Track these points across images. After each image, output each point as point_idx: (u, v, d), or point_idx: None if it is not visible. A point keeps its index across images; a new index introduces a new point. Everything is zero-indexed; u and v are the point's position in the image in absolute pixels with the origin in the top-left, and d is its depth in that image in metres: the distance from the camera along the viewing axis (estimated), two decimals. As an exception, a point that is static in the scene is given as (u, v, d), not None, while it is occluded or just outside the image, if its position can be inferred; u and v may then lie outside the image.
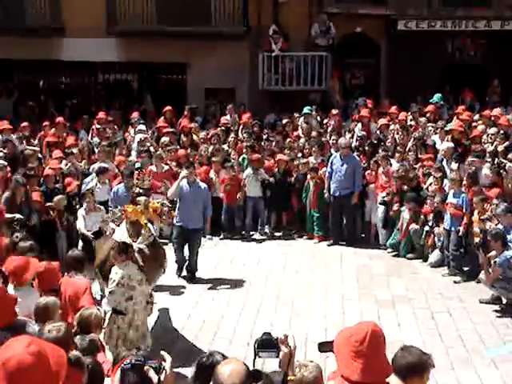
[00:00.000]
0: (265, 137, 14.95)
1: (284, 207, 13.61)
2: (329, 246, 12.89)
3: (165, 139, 14.26)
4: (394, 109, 15.41)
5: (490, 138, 13.01)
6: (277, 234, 13.59)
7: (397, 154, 13.09)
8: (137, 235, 7.93)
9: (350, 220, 12.99)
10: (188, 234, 11.02)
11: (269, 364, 3.88)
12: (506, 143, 12.55)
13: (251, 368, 3.54)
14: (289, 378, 3.46)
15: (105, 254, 8.00)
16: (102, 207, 10.61)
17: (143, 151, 13.76)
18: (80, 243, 10.40)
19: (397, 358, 4.18)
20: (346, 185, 12.69)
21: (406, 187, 12.26)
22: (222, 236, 13.34)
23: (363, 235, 13.35)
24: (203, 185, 11.33)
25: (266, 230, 13.49)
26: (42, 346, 3.14)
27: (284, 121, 16.03)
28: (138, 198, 8.57)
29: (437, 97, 15.92)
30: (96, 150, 13.96)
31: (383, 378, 3.32)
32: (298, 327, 8.89)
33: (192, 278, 11.06)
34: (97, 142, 14.65)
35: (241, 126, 15.64)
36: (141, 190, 9.62)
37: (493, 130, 13.21)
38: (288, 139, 14.77)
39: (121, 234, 7.94)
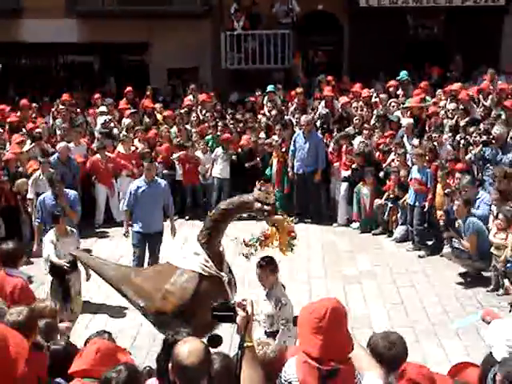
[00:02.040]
0: (229, 116, 14.90)
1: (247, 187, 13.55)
2: (294, 224, 12.88)
3: (127, 121, 14.14)
4: (357, 86, 15.44)
5: (451, 114, 13.11)
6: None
7: (364, 132, 13.17)
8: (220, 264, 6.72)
9: (314, 197, 13.05)
10: (150, 238, 9.72)
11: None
12: (467, 118, 12.66)
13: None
14: (246, 344, 3.46)
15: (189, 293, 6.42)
16: (75, 230, 8.85)
17: (105, 133, 13.65)
18: (49, 278, 8.33)
19: (379, 348, 4.13)
20: (309, 162, 12.73)
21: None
22: (187, 217, 13.30)
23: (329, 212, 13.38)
24: (162, 182, 10.16)
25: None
26: (3, 333, 3.11)
27: (251, 98, 16.03)
28: (276, 217, 6.80)
29: (403, 73, 15.94)
30: (58, 132, 13.81)
31: (344, 355, 3.34)
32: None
33: None
34: (60, 123, 14.47)
35: (199, 107, 15.54)
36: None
37: (452, 106, 13.32)
38: (255, 118, 14.71)
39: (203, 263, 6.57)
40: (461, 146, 11.83)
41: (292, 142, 12.96)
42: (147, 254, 9.75)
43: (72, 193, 9.96)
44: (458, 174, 10.99)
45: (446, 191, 10.95)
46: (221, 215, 6.59)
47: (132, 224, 9.73)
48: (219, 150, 13.28)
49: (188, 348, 3.36)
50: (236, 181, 13.31)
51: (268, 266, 6.61)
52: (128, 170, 12.86)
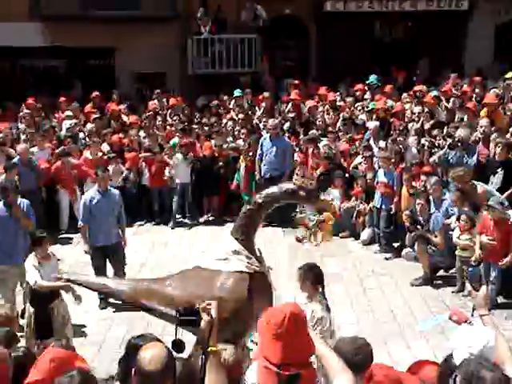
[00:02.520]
0: (196, 121, 14.85)
1: (213, 192, 13.52)
2: (262, 227, 12.89)
3: (91, 126, 14.03)
4: (323, 90, 15.51)
5: (416, 117, 13.23)
6: (208, 219, 13.53)
7: (330, 135, 13.22)
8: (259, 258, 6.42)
9: None
10: (110, 250, 9.36)
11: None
12: (432, 121, 12.78)
13: (174, 337, 3.52)
14: (210, 349, 3.42)
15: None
16: (55, 255, 8.01)
17: (71, 137, 13.52)
18: (29, 308, 7.52)
19: (345, 353, 4.04)
20: (276, 166, 12.73)
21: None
22: (154, 222, 13.25)
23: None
24: (115, 191, 9.71)
25: (203, 217, 13.43)
26: None
27: (214, 102, 16.01)
28: (323, 201, 6.86)
29: (373, 77, 16.06)
30: (22, 137, 13.65)
31: (304, 360, 3.33)
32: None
33: None
34: (23, 128, 14.29)
35: (169, 110, 15.49)
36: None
37: (418, 109, 13.45)
38: (220, 122, 14.69)
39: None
40: (425, 149, 11.94)
41: (259, 146, 12.95)
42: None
43: (24, 202, 9.04)
44: (423, 177, 11.09)
45: (411, 191, 11.02)
46: (257, 209, 6.35)
47: (89, 237, 9.37)
48: (179, 156, 13.13)
49: (150, 354, 3.33)
50: (202, 185, 13.30)
51: (306, 273, 6.39)
52: (92, 179, 12.66)
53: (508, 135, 11.28)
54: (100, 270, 9.27)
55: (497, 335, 3.95)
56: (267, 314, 3.39)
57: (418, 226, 10.37)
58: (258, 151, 12.95)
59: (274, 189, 6.39)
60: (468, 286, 9.38)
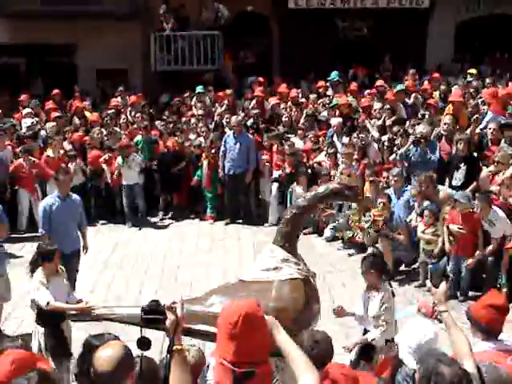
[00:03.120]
0: (159, 118, 14.78)
1: (175, 189, 13.44)
2: (226, 225, 12.93)
3: (52, 124, 13.86)
4: (283, 87, 15.56)
5: (379, 114, 13.34)
6: (171, 216, 13.45)
7: (299, 132, 13.27)
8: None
9: (244, 198, 13.06)
10: (65, 259, 8.17)
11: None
12: (394, 117, 12.89)
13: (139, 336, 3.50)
14: (175, 348, 3.41)
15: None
16: (63, 268, 7.16)
17: (31, 136, 13.33)
18: (39, 330, 6.73)
19: (304, 347, 4.12)
20: (239, 163, 12.73)
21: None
22: (116, 221, 13.09)
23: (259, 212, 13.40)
24: (76, 197, 9.10)
25: (160, 215, 13.35)
26: None
27: (175, 99, 15.93)
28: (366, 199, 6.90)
29: (334, 74, 16.15)
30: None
31: (261, 358, 3.35)
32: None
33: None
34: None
35: (129, 108, 15.37)
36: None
37: (379, 105, 13.57)
38: (183, 119, 14.62)
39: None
40: (385, 146, 12.05)
41: (223, 143, 12.92)
42: None
43: None
44: (385, 173, 11.19)
45: (371, 180, 11.08)
46: (301, 213, 6.01)
47: None
48: (119, 160, 12.84)
49: (104, 355, 3.32)
50: (163, 183, 13.29)
51: (369, 262, 6.57)
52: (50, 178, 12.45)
53: (468, 131, 11.41)
54: None
55: (454, 330, 4.01)
56: (223, 312, 3.41)
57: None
58: (222, 148, 12.91)
59: (320, 189, 6.11)
60: (428, 282, 9.49)
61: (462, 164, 10.47)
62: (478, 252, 9.23)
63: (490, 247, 9.26)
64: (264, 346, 3.37)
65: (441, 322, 4.28)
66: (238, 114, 14.30)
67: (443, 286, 4.25)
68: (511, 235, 9.28)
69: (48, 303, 6.52)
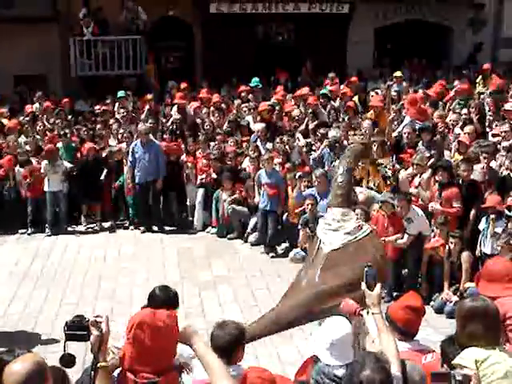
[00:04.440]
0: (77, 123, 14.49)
1: (97, 196, 13.11)
2: (142, 233, 12.72)
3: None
4: (204, 92, 15.53)
5: (302, 118, 13.49)
6: (93, 224, 13.15)
7: (218, 137, 13.23)
8: None
9: (157, 206, 12.90)
10: None
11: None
12: (316, 121, 13.04)
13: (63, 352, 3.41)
14: (99, 365, 3.35)
15: None
16: None
17: None
18: None
19: (213, 335, 4.42)
20: (150, 171, 12.50)
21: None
22: (29, 231, 12.62)
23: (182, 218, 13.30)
24: None
25: (85, 223, 13.03)
26: None
27: (96, 107, 15.62)
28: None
29: (254, 80, 16.22)
30: None
31: (161, 367, 3.37)
32: (120, 315, 8.74)
33: None
34: None
35: (44, 114, 14.99)
36: None
37: (297, 112, 13.72)
38: (98, 126, 14.33)
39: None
40: (303, 150, 12.18)
41: (130, 153, 12.62)
42: None
43: None
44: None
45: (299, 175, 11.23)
46: (349, 174, 6.68)
47: None
48: (45, 163, 12.56)
49: (11, 369, 3.20)
50: (83, 190, 13.00)
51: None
52: None
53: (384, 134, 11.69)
54: None
55: (384, 333, 4.08)
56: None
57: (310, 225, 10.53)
58: (129, 158, 12.62)
59: (348, 153, 6.97)
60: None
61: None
62: (389, 238, 9.40)
63: (404, 240, 9.45)
64: (165, 356, 3.39)
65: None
66: (160, 120, 14.18)
67: (378, 288, 4.31)
68: (429, 236, 9.54)
69: None
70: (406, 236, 9.47)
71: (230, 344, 4.31)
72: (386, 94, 14.56)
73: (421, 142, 11.41)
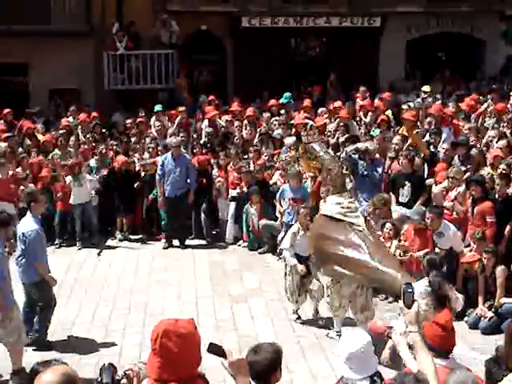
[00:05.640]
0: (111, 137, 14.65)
1: (131, 209, 13.17)
2: (164, 248, 12.66)
3: (3, 145, 13.60)
4: (236, 105, 15.58)
5: (332, 133, 13.49)
6: (126, 237, 13.16)
7: (251, 149, 13.27)
8: None
9: (183, 219, 12.85)
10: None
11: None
12: (347, 135, 13.01)
13: None
14: None
15: None
16: None
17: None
18: None
19: (251, 364, 4.16)
20: (181, 185, 12.48)
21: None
22: (57, 242, 12.67)
23: (215, 232, 13.29)
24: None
25: (119, 236, 13.09)
26: None
27: (129, 120, 15.73)
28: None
29: (285, 96, 16.19)
30: None
31: (187, 375, 3.40)
32: (152, 328, 8.77)
33: None
34: None
35: (79, 128, 15.18)
36: None
37: (332, 126, 13.71)
38: (131, 139, 14.46)
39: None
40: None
41: (159, 166, 12.58)
42: None
43: None
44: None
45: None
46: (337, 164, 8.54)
47: None
48: (69, 178, 12.69)
49: (42, 380, 3.24)
50: (116, 203, 13.07)
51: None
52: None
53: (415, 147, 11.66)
54: None
55: (421, 352, 4.05)
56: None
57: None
58: (158, 171, 12.57)
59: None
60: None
61: (407, 181, 10.68)
62: (417, 254, 9.28)
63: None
64: (190, 365, 3.41)
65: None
66: (192, 134, 14.27)
67: (415, 306, 4.28)
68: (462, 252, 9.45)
69: None
70: (436, 250, 9.37)
71: (266, 369, 4.20)
72: (419, 109, 14.48)
73: (456, 156, 11.34)
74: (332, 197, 8.28)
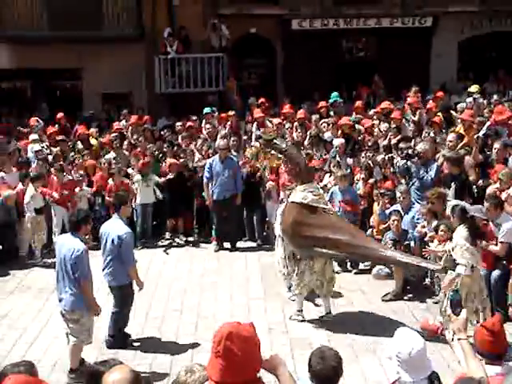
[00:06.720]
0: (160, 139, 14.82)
1: (182, 211, 13.29)
2: (215, 252, 12.71)
3: (56, 149, 13.89)
4: (287, 108, 15.58)
5: (384, 134, 13.37)
6: (177, 238, 13.35)
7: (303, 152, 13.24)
8: None
9: (235, 221, 12.85)
10: None
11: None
12: (399, 136, 12.90)
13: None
14: None
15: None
16: None
17: (40, 161, 13.34)
18: None
19: (311, 363, 4.26)
20: (229, 187, 12.52)
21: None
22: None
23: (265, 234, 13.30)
24: None
25: (166, 237, 13.23)
26: None
27: (178, 123, 15.83)
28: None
29: (333, 96, 16.17)
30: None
31: (248, 377, 3.40)
32: (204, 330, 8.85)
33: None
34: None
35: (129, 130, 15.38)
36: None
37: (384, 126, 13.58)
38: (183, 142, 14.55)
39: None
40: (386, 161, 12.04)
41: (206, 169, 12.61)
42: None
43: None
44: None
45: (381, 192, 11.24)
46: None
47: None
48: (138, 177, 12.93)
49: (114, 378, 3.30)
50: (169, 205, 13.19)
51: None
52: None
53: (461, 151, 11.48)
54: None
55: (470, 358, 4.00)
56: (217, 330, 3.48)
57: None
58: (206, 174, 12.61)
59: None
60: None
61: (452, 183, 10.54)
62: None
63: (497, 248, 8.98)
64: (251, 366, 3.42)
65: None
66: (242, 137, 14.31)
67: (463, 314, 4.23)
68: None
69: None
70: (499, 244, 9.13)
71: (332, 377, 4.22)
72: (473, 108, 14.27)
73: (511, 157, 11.13)
74: (302, 186, 8.94)
